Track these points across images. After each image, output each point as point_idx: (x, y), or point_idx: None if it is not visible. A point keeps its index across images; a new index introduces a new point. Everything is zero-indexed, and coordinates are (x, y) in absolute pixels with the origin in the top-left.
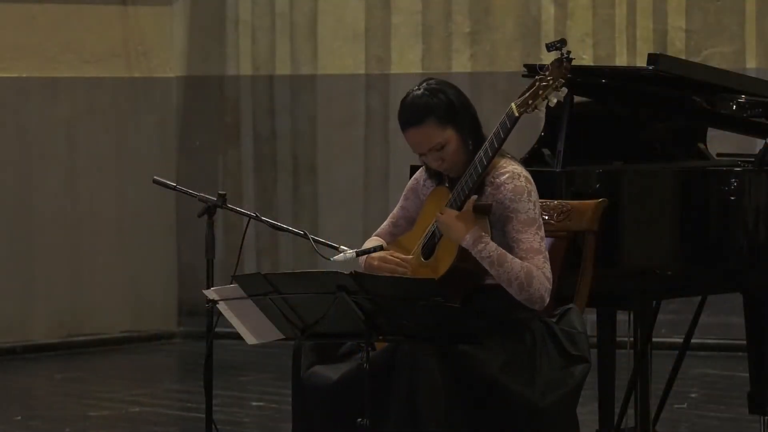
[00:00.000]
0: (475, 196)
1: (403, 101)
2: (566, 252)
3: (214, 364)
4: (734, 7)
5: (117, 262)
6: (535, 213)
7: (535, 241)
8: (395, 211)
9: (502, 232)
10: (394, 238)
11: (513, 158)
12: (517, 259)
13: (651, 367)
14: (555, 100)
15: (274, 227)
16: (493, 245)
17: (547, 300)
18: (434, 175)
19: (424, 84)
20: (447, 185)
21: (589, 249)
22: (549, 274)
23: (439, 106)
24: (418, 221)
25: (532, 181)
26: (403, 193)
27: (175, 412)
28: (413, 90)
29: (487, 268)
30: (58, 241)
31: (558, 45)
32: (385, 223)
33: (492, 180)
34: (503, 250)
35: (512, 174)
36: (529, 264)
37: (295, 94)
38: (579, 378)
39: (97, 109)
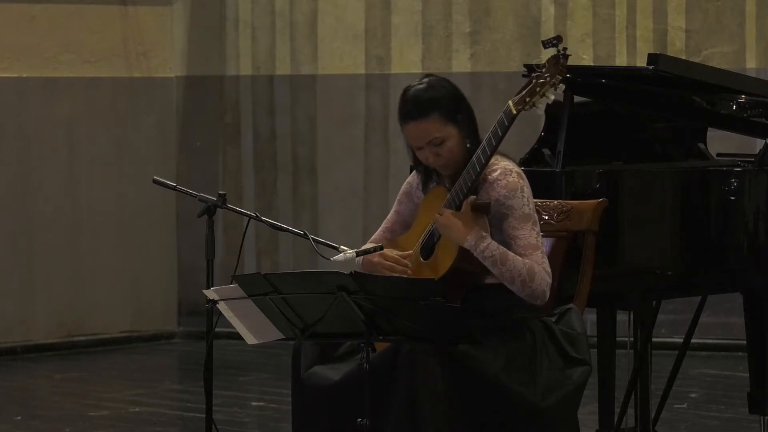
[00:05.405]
0: (473, 196)
1: (404, 95)
2: (566, 252)
3: (214, 364)
4: (734, 7)
5: (117, 261)
6: (530, 208)
7: (531, 237)
8: (390, 216)
9: (498, 229)
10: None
11: (504, 155)
12: (518, 257)
13: (651, 367)
14: (552, 98)
15: (274, 227)
16: (494, 244)
17: (548, 294)
18: (424, 179)
19: (426, 79)
20: (446, 185)
21: (589, 249)
22: (548, 269)
23: (443, 101)
24: (416, 221)
25: (524, 176)
26: (397, 198)
27: (175, 412)
28: (415, 84)
29: (490, 267)
30: (58, 241)
31: (554, 42)
32: (379, 229)
33: (484, 177)
34: (504, 249)
35: (504, 170)
36: (529, 260)
37: (295, 94)
38: (579, 380)
39: (97, 109)
